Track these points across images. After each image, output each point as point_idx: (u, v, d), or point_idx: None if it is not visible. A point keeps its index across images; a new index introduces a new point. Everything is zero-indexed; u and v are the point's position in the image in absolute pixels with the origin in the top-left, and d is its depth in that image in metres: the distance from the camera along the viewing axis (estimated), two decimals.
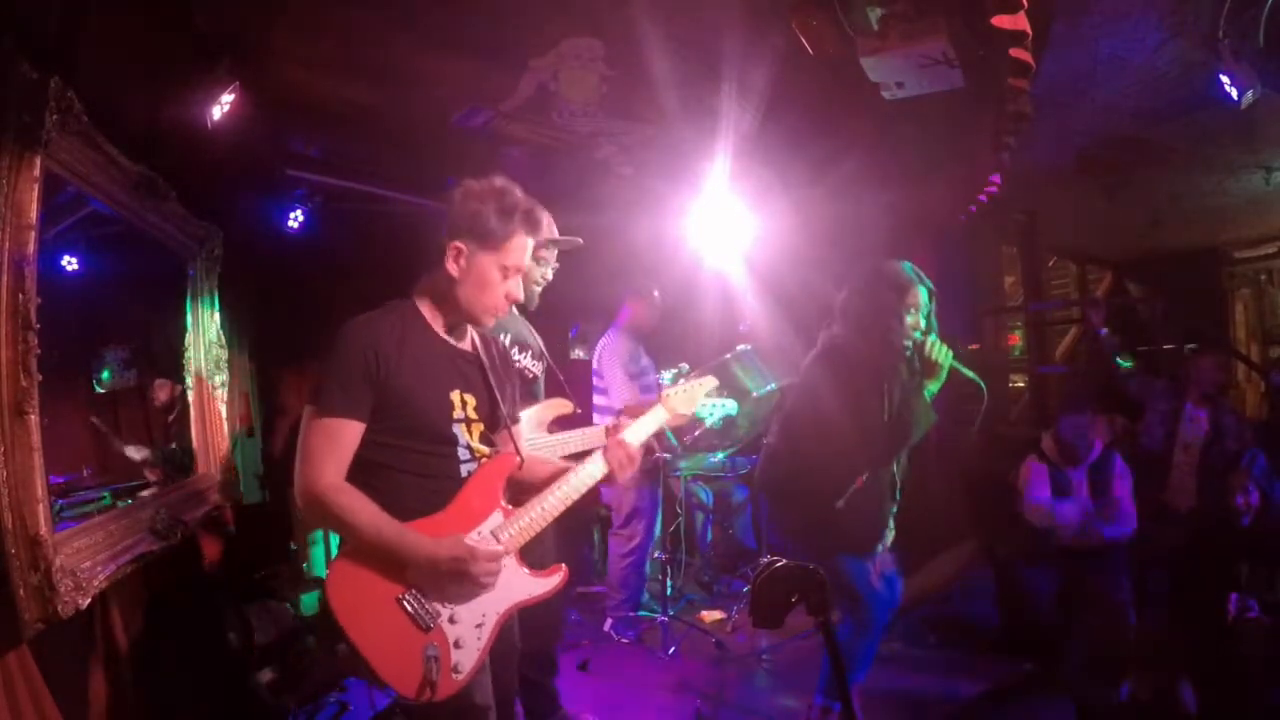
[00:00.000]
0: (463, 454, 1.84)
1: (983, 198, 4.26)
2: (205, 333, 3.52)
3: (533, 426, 2.59)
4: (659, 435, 3.45)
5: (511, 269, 1.84)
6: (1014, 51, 2.63)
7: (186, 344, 3.45)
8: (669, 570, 4.32)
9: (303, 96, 3.33)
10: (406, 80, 3.25)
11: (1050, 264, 7.27)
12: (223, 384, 3.60)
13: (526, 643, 2.19)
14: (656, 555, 4.35)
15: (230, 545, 3.63)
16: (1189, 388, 3.99)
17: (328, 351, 1.75)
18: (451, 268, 1.81)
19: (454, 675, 1.72)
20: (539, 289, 2.72)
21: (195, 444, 3.44)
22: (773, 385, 3.97)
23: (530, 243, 1.87)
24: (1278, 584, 3.30)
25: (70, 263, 3.11)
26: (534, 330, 2.78)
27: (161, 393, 3.55)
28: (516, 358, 2.60)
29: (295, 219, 4.10)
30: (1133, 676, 3.03)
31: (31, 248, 1.97)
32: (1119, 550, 3.66)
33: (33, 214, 1.98)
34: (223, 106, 2.82)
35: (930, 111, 3.20)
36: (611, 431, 2.09)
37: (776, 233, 4.57)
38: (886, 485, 2.78)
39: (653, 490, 4.30)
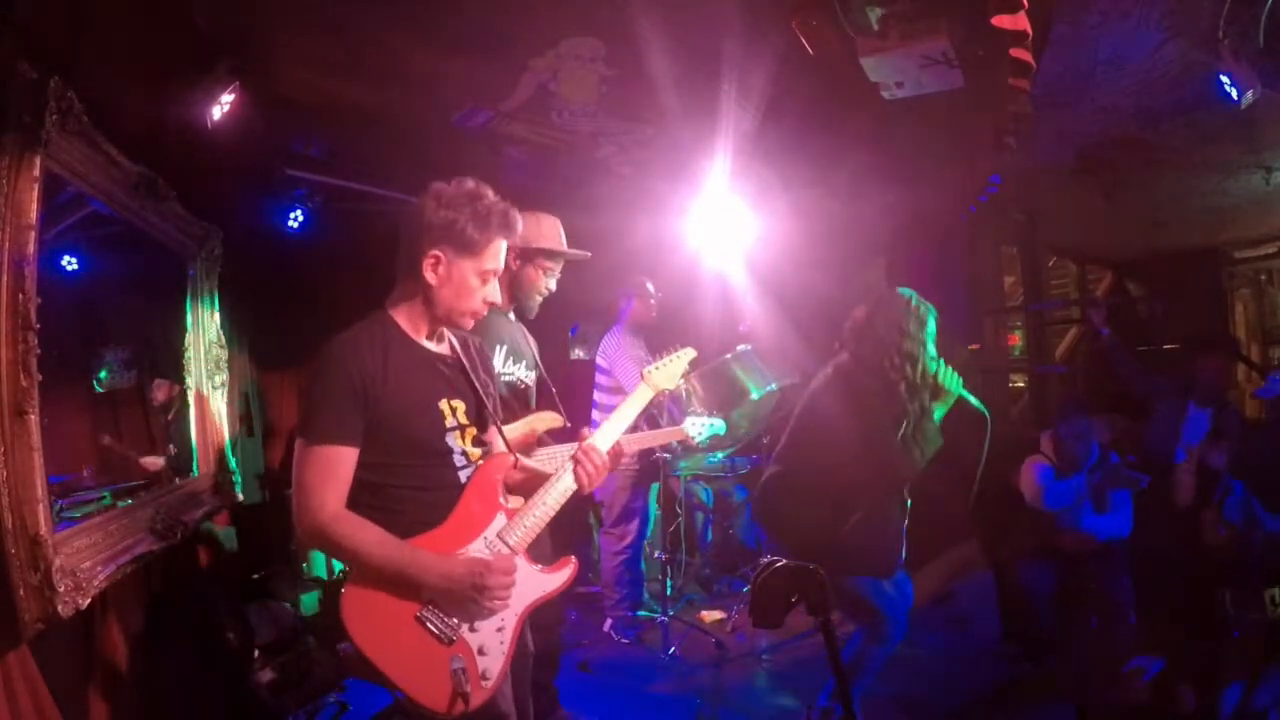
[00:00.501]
0: (459, 460, 1.83)
1: (983, 198, 4.26)
2: (205, 333, 3.53)
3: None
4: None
5: (490, 273, 1.82)
6: (1014, 51, 2.63)
7: (186, 344, 3.46)
8: (669, 570, 4.32)
9: (303, 96, 3.33)
10: (406, 80, 3.25)
11: (1050, 264, 7.26)
12: (222, 384, 3.60)
13: None
14: (656, 555, 4.35)
15: (230, 545, 3.64)
16: (1193, 388, 3.99)
17: (312, 377, 1.74)
18: (430, 276, 1.77)
19: (483, 683, 1.72)
20: (540, 299, 2.72)
21: (195, 444, 3.44)
22: (773, 385, 3.95)
23: (505, 245, 1.85)
24: (1265, 604, 3.31)
25: (70, 263, 3.10)
26: (530, 337, 2.76)
27: (160, 392, 3.55)
28: (510, 368, 2.59)
29: (295, 219, 4.09)
30: (1134, 677, 3.03)
31: (31, 248, 1.98)
32: (1119, 550, 3.66)
33: (33, 214, 1.98)
34: (223, 106, 2.82)
35: (930, 112, 3.20)
36: (581, 440, 1.95)
37: (777, 232, 4.57)
38: (898, 505, 2.79)
39: (647, 490, 4.29)
